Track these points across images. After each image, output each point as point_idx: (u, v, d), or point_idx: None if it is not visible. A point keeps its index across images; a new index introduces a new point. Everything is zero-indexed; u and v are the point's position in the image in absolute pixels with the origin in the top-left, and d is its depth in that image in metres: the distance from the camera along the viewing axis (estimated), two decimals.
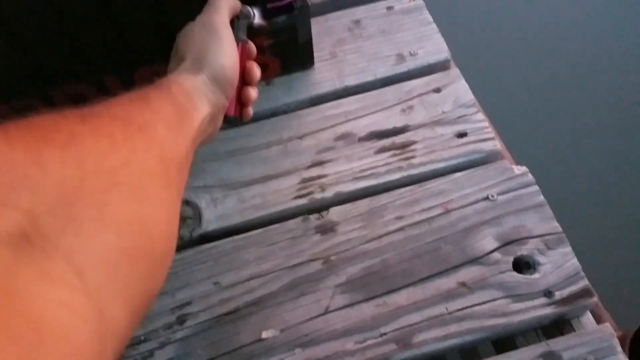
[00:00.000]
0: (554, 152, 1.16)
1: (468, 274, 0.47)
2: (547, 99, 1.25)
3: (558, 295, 0.45)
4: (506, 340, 0.46)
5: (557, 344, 0.44)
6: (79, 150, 0.20)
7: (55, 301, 0.17)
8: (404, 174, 0.53)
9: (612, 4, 1.40)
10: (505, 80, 1.28)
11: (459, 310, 0.45)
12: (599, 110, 1.22)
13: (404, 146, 0.55)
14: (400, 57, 0.61)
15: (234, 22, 0.43)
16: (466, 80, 0.58)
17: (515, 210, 0.50)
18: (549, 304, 0.45)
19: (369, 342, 0.44)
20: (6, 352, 0.14)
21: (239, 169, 0.55)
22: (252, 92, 0.44)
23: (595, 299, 0.46)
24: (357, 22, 0.64)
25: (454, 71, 0.59)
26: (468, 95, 0.57)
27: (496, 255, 0.48)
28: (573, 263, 0.47)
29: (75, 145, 0.21)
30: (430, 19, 0.64)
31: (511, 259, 0.47)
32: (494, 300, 0.46)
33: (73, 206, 0.19)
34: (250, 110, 0.45)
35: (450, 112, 0.56)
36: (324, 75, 0.60)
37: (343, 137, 0.56)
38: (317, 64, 0.61)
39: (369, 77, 0.60)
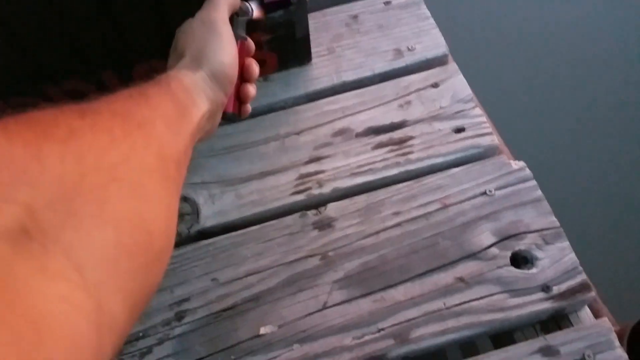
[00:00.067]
0: (552, 146, 1.16)
1: (466, 269, 0.47)
2: (545, 93, 1.25)
3: (556, 290, 0.45)
4: (504, 335, 0.46)
5: (555, 338, 0.44)
6: (78, 146, 0.21)
7: (54, 296, 0.17)
8: (402, 169, 0.53)
9: (611, 0, 1.39)
10: (503, 75, 1.27)
11: (456, 305, 0.45)
12: (596, 104, 1.22)
13: (401, 141, 0.55)
14: (398, 52, 0.61)
15: (233, 19, 0.43)
16: (464, 75, 0.58)
17: (513, 205, 0.50)
18: (546, 299, 0.45)
19: (367, 337, 0.44)
20: (5, 346, 0.14)
21: (236, 165, 0.55)
22: (251, 89, 0.44)
23: (593, 293, 0.46)
24: (355, 17, 0.64)
25: (452, 66, 0.59)
26: (466, 90, 0.57)
27: (494, 250, 0.48)
28: (571, 258, 0.47)
29: (75, 140, 0.21)
30: (428, 13, 0.64)
31: (509, 253, 0.47)
32: (491, 295, 0.46)
33: (72, 202, 0.19)
34: (249, 107, 0.45)
35: (448, 107, 0.56)
36: (321, 70, 0.60)
37: (340, 132, 0.56)
38: (314, 60, 0.61)
39: (366, 73, 0.59)
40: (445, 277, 0.47)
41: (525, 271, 0.47)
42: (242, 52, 0.43)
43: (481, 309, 0.45)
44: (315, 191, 0.52)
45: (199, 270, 0.49)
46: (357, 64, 0.60)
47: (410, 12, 0.64)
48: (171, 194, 0.26)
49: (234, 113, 0.43)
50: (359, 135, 0.56)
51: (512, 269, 0.47)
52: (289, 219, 0.51)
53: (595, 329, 0.44)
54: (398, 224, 0.50)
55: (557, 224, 0.49)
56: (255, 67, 0.43)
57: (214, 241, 0.50)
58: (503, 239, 0.48)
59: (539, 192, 0.50)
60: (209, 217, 0.52)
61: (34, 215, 0.17)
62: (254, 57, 0.45)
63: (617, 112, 1.21)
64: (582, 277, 0.46)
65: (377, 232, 0.49)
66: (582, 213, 1.04)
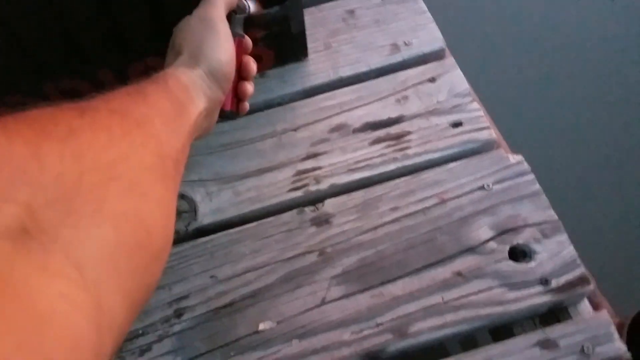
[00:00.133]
0: (550, 140, 1.15)
1: (464, 263, 0.47)
2: (543, 87, 1.24)
3: (554, 283, 0.45)
4: (503, 329, 0.46)
5: (553, 331, 0.44)
6: (77, 145, 0.21)
7: (54, 293, 0.17)
8: (399, 164, 0.53)
9: None
10: (500, 69, 1.27)
11: (455, 299, 0.45)
12: (594, 98, 1.21)
13: (398, 137, 0.54)
14: (395, 47, 0.60)
15: (230, 16, 0.43)
16: (461, 70, 0.58)
17: (510, 199, 0.50)
18: (545, 292, 0.45)
19: (366, 332, 0.45)
20: (5, 342, 0.14)
21: (233, 162, 0.55)
22: (249, 87, 0.44)
23: (591, 286, 0.46)
24: (351, 12, 0.64)
25: (449, 60, 0.59)
26: (463, 85, 0.57)
27: (492, 244, 0.48)
28: (569, 251, 0.47)
29: (74, 139, 0.21)
30: (425, 8, 0.63)
31: (507, 247, 0.47)
32: (490, 289, 0.46)
33: (72, 201, 0.19)
34: (247, 105, 0.45)
35: (445, 101, 0.56)
36: (318, 66, 0.60)
37: (337, 128, 0.56)
38: (311, 55, 0.60)
39: (363, 68, 0.59)
40: (443, 272, 0.47)
41: (524, 265, 0.47)
42: (240, 50, 0.43)
43: (480, 303, 0.45)
44: (313, 187, 0.52)
45: (198, 268, 0.49)
46: (354, 59, 0.60)
47: (407, 6, 0.64)
48: (169, 192, 0.27)
49: (231, 111, 0.43)
50: (356, 130, 0.55)
51: (511, 262, 0.47)
52: (286, 216, 0.51)
53: (595, 322, 0.44)
54: (396, 220, 0.50)
55: (556, 217, 0.49)
56: (252, 65, 0.43)
57: (212, 238, 0.50)
58: (501, 233, 0.48)
59: (537, 186, 0.50)
60: (206, 214, 0.52)
61: (33, 214, 0.17)
62: (250, 53, 0.45)
63: (616, 104, 1.20)
64: (580, 270, 0.46)
65: (375, 228, 0.49)
66: (581, 206, 1.04)
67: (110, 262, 0.20)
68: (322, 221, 0.50)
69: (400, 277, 0.47)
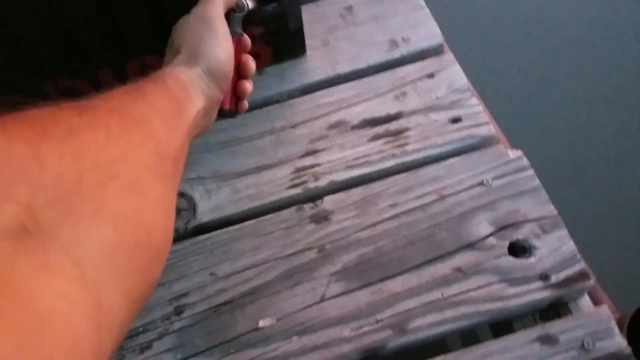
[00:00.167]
0: (549, 135, 1.15)
1: (463, 259, 0.47)
2: (543, 82, 1.23)
3: (554, 278, 0.45)
4: (503, 325, 0.46)
5: (553, 327, 0.44)
6: (77, 144, 0.21)
7: (54, 292, 0.17)
8: (398, 161, 0.53)
9: None
10: (500, 64, 1.26)
11: (454, 295, 0.45)
12: (594, 93, 1.21)
13: (397, 133, 0.54)
14: (393, 43, 0.60)
15: (229, 15, 0.43)
16: (460, 65, 0.58)
17: (510, 195, 0.49)
18: (545, 288, 0.45)
19: (365, 328, 0.45)
20: (5, 342, 0.14)
21: (232, 159, 0.54)
22: (248, 86, 0.44)
23: (591, 281, 0.46)
24: (349, 8, 0.64)
25: (448, 56, 0.59)
26: (462, 80, 0.57)
27: (491, 240, 0.47)
28: (569, 246, 0.47)
29: (74, 138, 0.21)
30: (423, 3, 0.63)
31: (507, 243, 0.47)
32: (489, 285, 0.46)
33: (71, 200, 0.19)
34: (246, 104, 0.45)
35: (444, 97, 0.56)
36: (316, 63, 0.60)
37: (336, 125, 0.56)
38: (309, 52, 0.60)
39: (361, 64, 0.59)
40: (442, 268, 0.47)
41: (524, 260, 0.46)
42: (238, 49, 0.43)
43: (479, 299, 0.45)
44: (312, 184, 0.52)
45: (197, 265, 0.49)
46: (352, 56, 0.60)
47: (405, 2, 0.63)
48: (168, 191, 0.27)
49: (230, 109, 0.43)
50: (355, 127, 0.55)
51: (510, 258, 0.47)
52: (285, 213, 0.51)
53: (595, 317, 0.44)
54: (395, 216, 0.50)
55: (555, 212, 0.48)
56: (251, 63, 0.43)
57: (211, 236, 0.50)
58: (501, 228, 0.48)
59: (537, 181, 0.50)
60: (205, 212, 0.52)
61: (33, 214, 0.17)
62: (249, 51, 0.45)
63: (615, 99, 1.20)
64: (580, 265, 0.46)
65: (374, 224, 0.49)
66: (581, 201, 1.04)
67: (110, 261, 0.20)
68: (321, 218, 0.50)
69: (399, 274, 0.47)
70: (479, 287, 0.45)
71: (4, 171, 0.17)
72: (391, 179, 0.52)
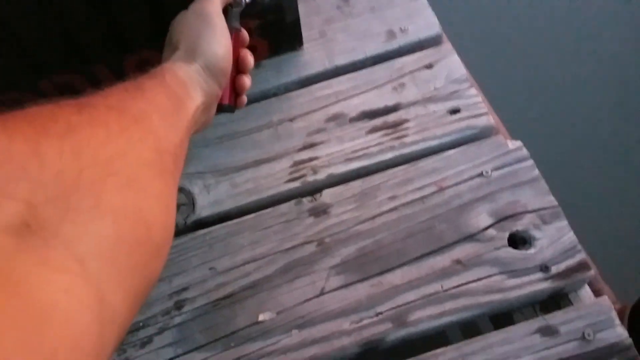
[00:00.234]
0: (549, 125, 1.14)
1: (463, 251, 0.47)
2: (542, 71, 1.22)
3: (554, 269, 0.45)
4: (503, 316, 0.46)
5: (554, 318, 0.44)
6: (76, 141, 0.21)
7: (56, 288, 0.17)
8: (397, 153, 0.52)
9: None
10: (498, 53, 1.25)
11: (454, 287, 0.45)
12: (593, 81, 1.20)
13: (396, 125, 0.54)
14: (391, 34, 0.60)
15: (227, 10, 0.42)
16: (458, 55, 0.57)
17: (510, 186, 0.49)
18: (545, 279, 0.45)
19: (365, 321, 0.45)
20: (11, 338, 0.14)
21: (230, 154, 0.54)
22: (246, 80, 0.44)
23: (592, 272, 0.45)
24: None
25: (446, 46, 0.58)
26: (460, 70, 0.56)
27: (491, 231, 0.47)
28: (569, 237, 0.47)
29: (73, 136, 0.21)
30: None
31: (506, 234, 0.47)
32: (489, 276, 0.45)
33: (71, 197, 0.19)
34: (245, 98, 0.45)
35: (442, 88, 0.55)
36: (313, 55, 0.59)
37: (334, 118, 0.55)
38: (306, 44, 0.60)
39: (359, 56, 0.59)
40: (442, 260, 0.46)
41: (523, 252, 0.46)
42: (237, 44, 0.43)
43: (479, 291, 0.45)
44: (310, 178, 0.52)
45: (197, 260, 0.49)
46: (350, 48, 0.59)
47: None
48: (168, 187, 0.27)
49: (229, 105, 0.43)
50: (353, 120, 0.55)
51: (510, 249, 0.46)
52: (284, 207, 0.51)
53: (595, 308, 0.44)
54: (394, 208, 0.49)
55: (555, 203, 0.48)
56: (250, 58, 0.43)
57: (210, 231, 0.50)
58: (500, 220, 0.48)
59: (536, 172, 0.50)
60: (204, 207, 0.52)
61: (34, 210, 0.17)
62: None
63: (615, 88, 1.18)
64: (581, 256, 0.46)
65: (373, 217, 0.49)
66: (582, 191, 1.03)
67: (110, 257, 0.20)
68: (320, 211, 0.50)
69: (399, 266, 0.47)
70: (478, 279, 0.45)
71: (5, 169, 0.17)
72: (390, 172, 0.51)
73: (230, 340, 0.45)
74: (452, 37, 0.59)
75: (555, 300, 0.46)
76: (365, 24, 0.60)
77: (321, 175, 0.52)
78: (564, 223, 0.47)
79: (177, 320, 0.46)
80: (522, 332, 0.43)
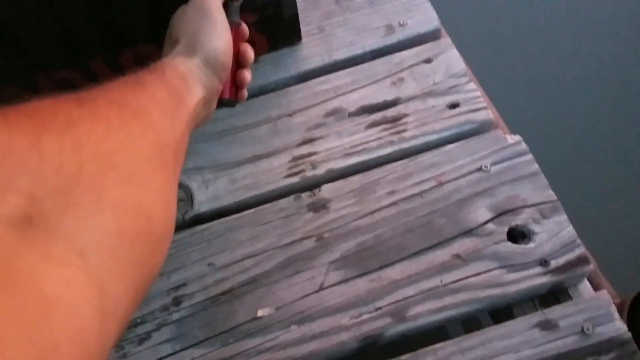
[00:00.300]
0: (548, 119, 1.14)
1: (462, 245, 0.46)
2: (541, 65, 1.22)
3: (554, 263, 0.45)
4: (503, 311, 0.46)
5: (553, 312, 0.44)
6: (77, 136, 0.21)
7: (58, 280, 0.17)
8: (396, 148, 0.52)
9: None
10: (497, 48, 1.25)
11: (453, 282, 0.45)
12: (592, 75, 1.19)
13: (395, 120, 0.54)
14: (390, 28, 0.59)
15: (227, 4, 0.42)
16: (458, 49, 0.57)
17: (509, 180, 0.49)
18: (544, 273, 0.45)
19: (364, 316, 0.44)
20: (13, 329, 0.14)
21: (229, 149, 0.54)
22: (247, 74, 0.44)
23: (591, 266, 0.45)
24: None
25: (445, 40, 0.58)
26: (459, 65, 0.56)
27: (490, 226, 0.47)
28: (569, 231, 0.46)
29: (73, 130, 0.21)
30: None
31: (506, 229, 0.47)
32: (488, 271, 0.45)
33: (72, 191, 0.19)
34: (245, 92, 0.45)
35: (441, 82, 0.55)
36: (312, 50, 0.59)
37: (333, 112, 0.55)
38: (304, 39, 0.59)
39: (358, 50, 0.58)
40: (441, 255, 0.46)
41: (523, 246, 0.46)
42: (237, 38, 0.42)
43: (478, 285, 0.45)
44: (309, 173, 0.52)
45: (195, 256, 0.49)
46: (348, 42, 0.59)
47: None
48: (169, 181, 0.27)
49: (230, 99, 0.43)
50: (352, 114, 0.55)
51: (509, 244, 0.46)
52: (283, 202, 0.51)
53: (595, 302, 0.44)
54: (393, 203, 0.49)
55: (555, 197, 0.48)
56: (250, 52, 0.44)
57: (209, 226, 0.50)
58: (499, 214, 0.48)
59: (536, 166, 0.50)
60: (203, 202, 0.51)
61: (35, 203, 0.18)
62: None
63: (614, 81, 1.18)
64: (580, 250, 0.46)
65: (373, 212, 0.49)
66: (581, 186, 1.03)
67: (111, 250, 0.20)
68: (320, 206, 0.50)
69: (398, 261, 0.46)
70: (478, 274, 0.45)
71: (6, 162, 0.17)
72: (389, 166, 0.51)
73: (229, 336, 0.45)
74: (452, 36, 0.59)
75: (554, 295, 0.46)
76: (364, 19, 0.60)
77: (320, 170, 0.52)
78: (563, 217, 0.47)
79: (176, 316, 0.46)
80: (521, 327, 0.43)
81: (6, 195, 0.17)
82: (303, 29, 0.58)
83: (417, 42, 0.58)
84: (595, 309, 0.44)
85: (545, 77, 1.20)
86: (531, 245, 0.46)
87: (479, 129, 0.53)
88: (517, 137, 0.51)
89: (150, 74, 0.32)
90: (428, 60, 0.57)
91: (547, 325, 0.43)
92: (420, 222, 0.48)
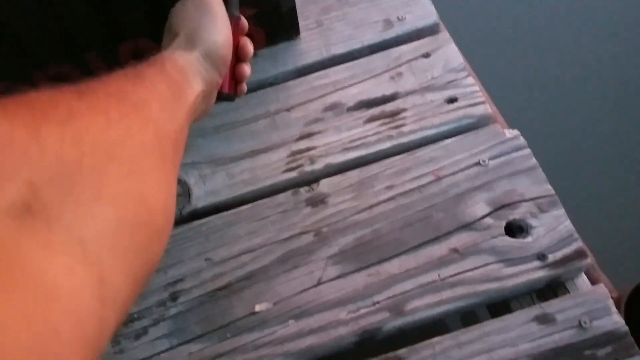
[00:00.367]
0: (546, 114, 1.14)
1: (460, 240, 0.46)
2: (540, 60, 1.22)
3: (551, 258, 0.45)
4: (501, 305, 0.46)
5: (551, 306, 0.44)
6: (77, 128, 0.21)
7: (59, 269, 0.17)
8: (394, 142, 0.52)
9: None
10: (496, 42, 1.25)
11: (451, 276, 0.45)
12: (590, 69, 1.20)
13: (393, 114, 0.54)
14: (388, 23, 0.59)
15: None
16: (456, 44, 0.57)
17: (507, 175, 0.49)
18: (542, 267, 0.45)
19: (362, 311, 0.44)
20: (15, 317, 0.15)
21: (226, 144, 0.54)
22: (246, 68, 0.44)
23: (589, 260, 0.45)
24: None
25: (443, 35, 0.58)
26: (458, 59, 0.56)
27: (488, 220, 0.47)
28: (566, 225, 0.47)
29: (74, 122, 0.21)
30: None
31: (503, 223, 0.47)
32: (486, 265, 0.45)
33: (72, 181, 0.19)
34: (245, 86, 0.45)
35: (440, 77, 0.55)
36: (310, 44, 0.59)
37: (332, 107, 0.55)
38: (303, 33, 0.59)
39: (356, 45, 0.58)
40: (439, 249, 0.46)
41: (520, 240, 0.46)
42: (236, 32, 0.42)
43: (476, 280, 0.45)
44: (308, 168, 0.52)
45: (193, 251, 0.48)
46: (347, 36, 0.59)
47: None
48: (169, 173, 0.27)
49: (229, 93, 0.43)
50: (350, 109, 0.55)
51: (507, 238, 0.46)
52: (281, 197, 0.50)
53: (592, 296, 0.44)
54: (392, 198, 0.49)
55: (552, 191, 0.48)
56: (249, 46, 0.43)
57: (207, 221, 0.50)
58: (497, 208, 0.48)
59: (534, 160, 0.50)
60: (200, 197, 0.51)
61: (35, 192, 0.18)
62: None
63: (612, 76, 1.19)
64: (578, 244, 0.46)
65: (371, 207, 0.49)
66: (579, 180, 1.03)
67: (112, 239, 0.20)
68: (318, 201, 0.50)
69: (396, 255, 0.46)
70: (475, 268, 0.45)
71: (6, 152, 0.17)
72: (387, 161, 0.51)
73: (226, 331, 0.45)
74: (451, 34, 0.59)
75: (552, 289, 0.46)
76: (363, 13, 0.60)
77: (318, 165, 0.52)
78: (560, 211, 0.47)
79: (173, 311, 0.46)
80: (519, 321, 0.43)
81: (6, 184, 0.17)
82: (301, 23, 0.58)
83: (415, 36, 0.58)
84: (592, 302, 0.44)
85: (545, 76, 1.20)
86: (529, 239, 0.46)
87: (477, 124, 0.53)
88: (515, 132, 0.51)
89: (150, 67, 0.32)
90: (426, 55, 0.56)
91: (544, 319, 0.43)
92: (418, 216, 0.48)
